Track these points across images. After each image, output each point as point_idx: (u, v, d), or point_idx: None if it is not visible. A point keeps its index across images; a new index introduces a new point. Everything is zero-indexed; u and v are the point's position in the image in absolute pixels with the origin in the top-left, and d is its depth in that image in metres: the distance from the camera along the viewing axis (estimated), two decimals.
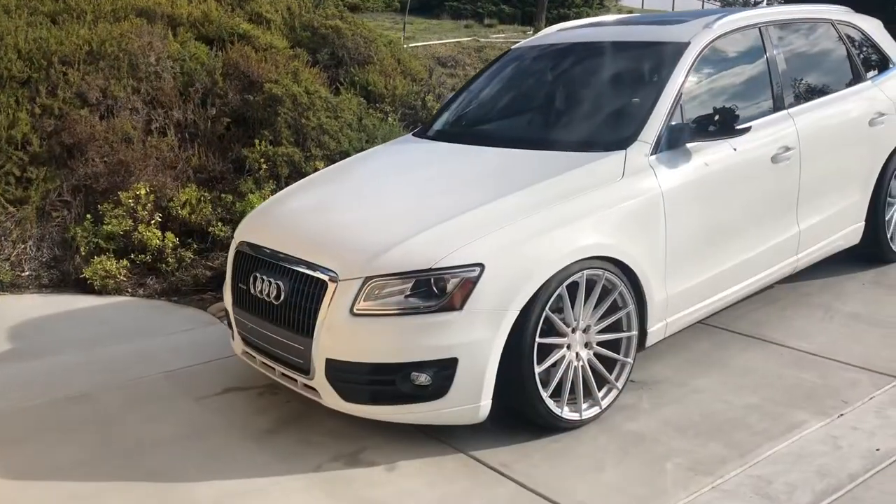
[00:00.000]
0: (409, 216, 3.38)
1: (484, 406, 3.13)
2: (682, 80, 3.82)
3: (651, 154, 3.64)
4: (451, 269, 3.06)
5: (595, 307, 3.39)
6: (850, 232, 4.72)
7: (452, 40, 13.01)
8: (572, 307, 3.30)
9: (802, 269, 4.53)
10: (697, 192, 3.75)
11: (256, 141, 7.23)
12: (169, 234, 6.07)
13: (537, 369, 3.19)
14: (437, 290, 3.06)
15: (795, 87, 4.41)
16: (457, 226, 3.21)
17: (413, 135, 4.62)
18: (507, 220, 3.23)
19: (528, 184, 3.45)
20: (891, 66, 5.09)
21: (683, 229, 3.68)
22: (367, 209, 3.60)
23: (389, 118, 8.47)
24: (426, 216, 3.31)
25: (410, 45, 11.71)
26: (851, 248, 4.83)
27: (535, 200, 3.35)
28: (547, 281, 3.17)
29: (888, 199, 4.86)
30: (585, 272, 3.29)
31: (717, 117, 3.64)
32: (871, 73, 4.93)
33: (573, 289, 3.29)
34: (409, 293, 3.07)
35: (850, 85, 4.75)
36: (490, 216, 3.25)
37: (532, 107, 4.46)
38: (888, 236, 4.92)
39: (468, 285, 3.05)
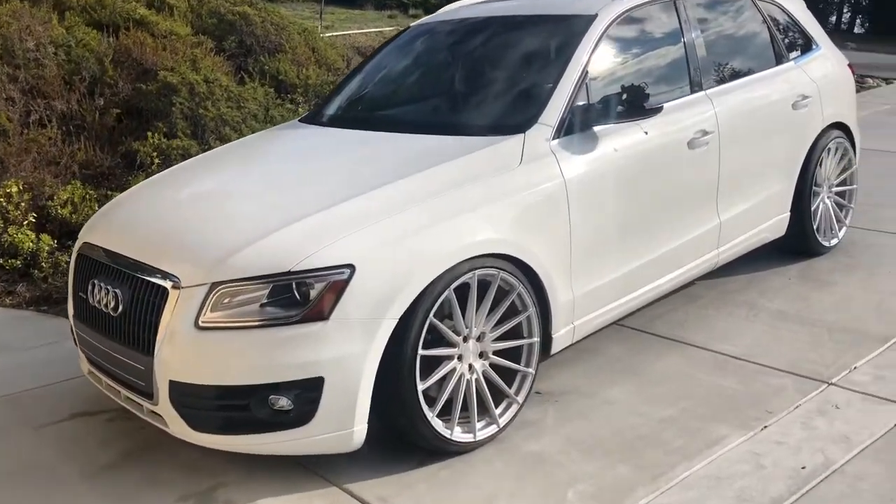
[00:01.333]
0: (273, 211, 2.90)
1: (358, 432, 2.67)
2: (587, 57, 3.43)
3: (553, 138, 3.24)
4: (316, 271, 2.60)
5: (490, 312, 2.97)
6: (775, 223, 4.40)
7: (374, 30, 12.52)
8: (463, 313, 2.87)
9: (724, 263, 4.19)
10: (605, 181, 3.36)
11: (149, 133, 6.66)
12: (45, 237, 5.47)
13: (421, 386, 2.75)
14: (299, 297, 2.59)
15: (714, 67, 4.06)
16: (325, 220, 2.75)
17: (300, 120, 4.14)
18: (385, 214, 2.78)
19: (413, 172, 3.01)
20: (814, 46, 4.80)
21: (591, 222, 3.28)
22: (227, 204, 3.12)
23: (300, 109, 7.94)
24: (292, 211, 2.84)
25: (329, 34, 11.18)
26: (777, 241, 4.51)
27: (420, 191, 2.91)
28: (431, 283, 2.73)
29: (814, 187, 4.56)
30: (477, 272, 2.87)
31: (624, 96, 3.25)
32: (793, 54, 4.62)
33: (463, 291, 2.86)
34: (265, 301, 2.60)
35: (772, 66, 4.42)
36: (365, 209, 2.80)
37: (428, 88, 4.02)
38: (814, 227, 4.62)
39: (336, 290, 2.60)
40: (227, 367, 2.60)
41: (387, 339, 2.65)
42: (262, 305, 2.60)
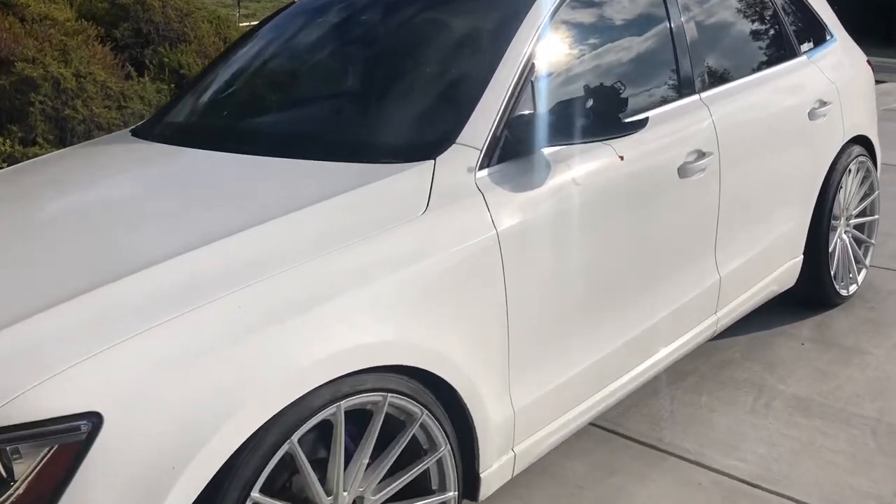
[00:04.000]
0: None
1: None
2: (531, 45, 2.27)
3: (480, 167, 2.07)
4: (25, 428, 1.39)
5: (374, 460, 1.79)
6: (785, 271, 3.29)
7: None
8: (324, 470, 1.69)
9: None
10: (561, 231, 2.20)
11: (0, 139, 5.35)
12: None
13: None
14: None
15: (709, 60, 2.92)
16: (57, 325, 1.53)
17: (133, 131, 2.88)
18: (175, 308, 1.57)
19: (249, 226, 1.80)
20: (828, 37, 3.70)
21: (539, 295, 2.13)
22: None
23: None
24: (10, 301, 1.62)
25: (248, 23, 9.89)
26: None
27: (250, 262, 1.70)
28: (254, 436, 1.54)
29: (831, 220, 3.46)
30: (345, 403, 1.69)
31: (591, 103, 2.09)
32: (805, 47, 3.52)
33: (324, 434, 1.68)
34: None
35: (781, 61, 3.30)
36: (140, 300, 1.59)
37: (304, 90, 2.81)
38: (831, 273, 3.52)
39: (66, 458, 1.39)
40: None
41: None
42: None
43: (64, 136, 5.68)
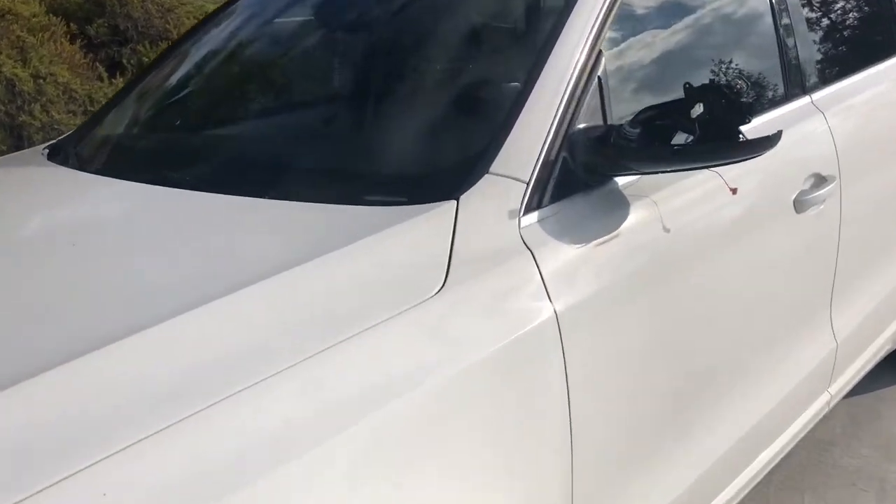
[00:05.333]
0: None
1: None
2: (594, 29, 1.51)
3: (527, 209, 1.33)
4: None
5: None
6: None
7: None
8: None
9: None
10: (645, 303, 1.46)
11: None
12: None
13: None
14: None
15: (819, 52, 2.18)
16: None
17: (49, 152, 2.11)
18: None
19: (162, 318, 1.06)
20: None
21: (617, 406, 1.39)
22: None
23: None
24: None
25: None
26: None
27: (143, 386, 0.96)
28: None
29: None
30: None
31: (701, 110, 1.34)
32: None
33: None
34: None
35: None
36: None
37: (274, 98, 2.02)
38: None
39: None
40: None
41: None
42: None
43: (20, 144, 4.96)
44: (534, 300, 1.27)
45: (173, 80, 2.18)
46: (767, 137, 1.39)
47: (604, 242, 1.40)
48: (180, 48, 2.28)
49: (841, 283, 2.06)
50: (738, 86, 1.36)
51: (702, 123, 1.37)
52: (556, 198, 1.39)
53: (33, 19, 6.38)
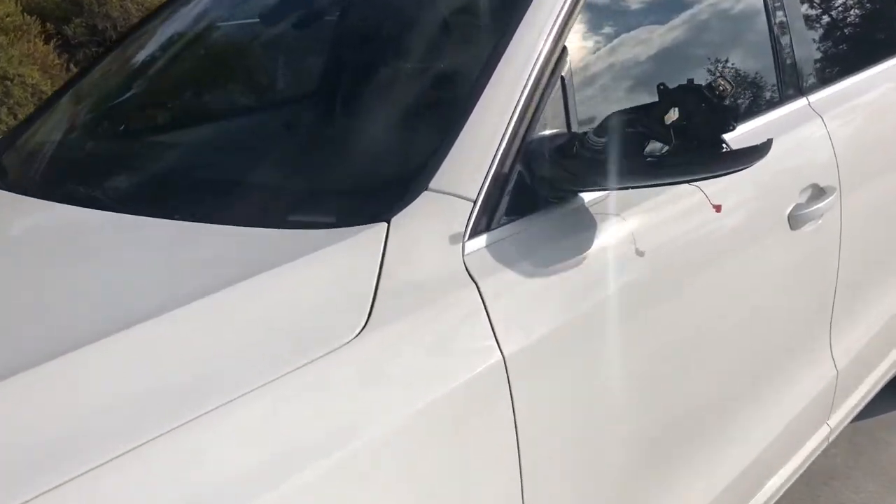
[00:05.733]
0: None
1: None
2: (556, 22, 1.30)
3: (474, 233, 1.12)
4: None
5: None
6: None
7: None
8: None
9: None
10: (615, 342, 1.25)
11: None
12: None
13: None
14: None
15: (820, 47, 1.98)
16: None
17: None
18: None
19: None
20: None
21: (572, 464, 1.18)
22: None
23: None
24: None
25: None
26: None
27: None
28: None
29: None
30: None
31: (677, 115, 1.14)
32: None
33: None
34: None
35: None
36: None
37: (204, 108, 1.78)
38: None
39: None
40: None
41: None
42: None
43: None
44: (477, 342, 1.07)
45: (91, 90, 1.95)
46: (756, 147, 1.19)
47: (565, 270, 1.20)
48: (107, 56, 2.05)
49: (841, 306, 1.86)
50: (721, 87, 1.15)
51: (678, 131, 1.17)
52: (509, 218, 1.19)
53: (7, 19, 6.19)
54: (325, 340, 0.96)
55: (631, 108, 1.21)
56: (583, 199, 1.28)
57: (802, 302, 1.75)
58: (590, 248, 1.24)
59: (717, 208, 1.32)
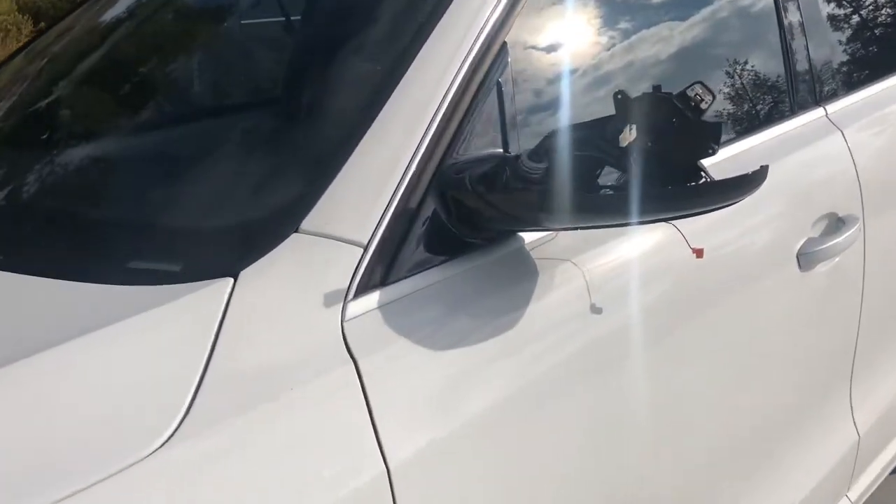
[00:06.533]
0: None
1: None
2: (497, 15, 1.01)
3: (362, 290, 0.84)
4: None
5: None
6: None
7: None
8: None
9: None
10: (575, 437, 0.96)
11: None
12: None
13: None
14: None
15: (839, 50, 1.66)
16: None
17: None
18: None
19: None
20: None
21: None
22: None
23: None
24: None
25: None
26: None
27: None
28: None
29: None
30: None
31: (634, 130, 0.84)
32: None
33: None
34: None
35: None
36: None
37: (32, 135, 1.44)
38: None
39: None
40: None
41: None
42: None
43: None
44: (350, 451, 0.78)
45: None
46: (745, 177, 0.88)
47: (493, 338, 0.91)
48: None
49: (863, 360, 1.54)
50: (697, 96, 0.86)
51: (643, 154, 0.87)
52: (416, 268, 0.90)
53: (2, 17, 6.04)
54: (114, 454, 0.67)
55: (579, 125, 0.92)
56: (522, 240, 0.99)
57: (815, 357, 1.44)
58: (525, 305, 0.94)
59: (699, 253, 1.01)
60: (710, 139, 0.87)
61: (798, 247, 1.33)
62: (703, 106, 0.87)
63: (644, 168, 0.87)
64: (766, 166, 0.89)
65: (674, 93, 0.88)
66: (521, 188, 0.89)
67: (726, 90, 1.35)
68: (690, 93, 0.88)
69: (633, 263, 1.06)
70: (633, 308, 1.05)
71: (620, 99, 0.89)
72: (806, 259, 1.33)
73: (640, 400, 1.08)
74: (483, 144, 0.97)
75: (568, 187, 0.88)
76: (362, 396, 0.79)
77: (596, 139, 0.90)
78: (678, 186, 0.88)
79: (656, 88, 0.89)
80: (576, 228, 0.93)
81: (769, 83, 1.46)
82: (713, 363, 1.19)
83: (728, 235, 1.19)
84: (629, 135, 0.85)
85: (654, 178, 0.87)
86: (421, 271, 0.90)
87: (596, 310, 1.00)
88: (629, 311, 1.04)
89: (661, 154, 0.87)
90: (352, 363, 0.80)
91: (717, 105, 1.29)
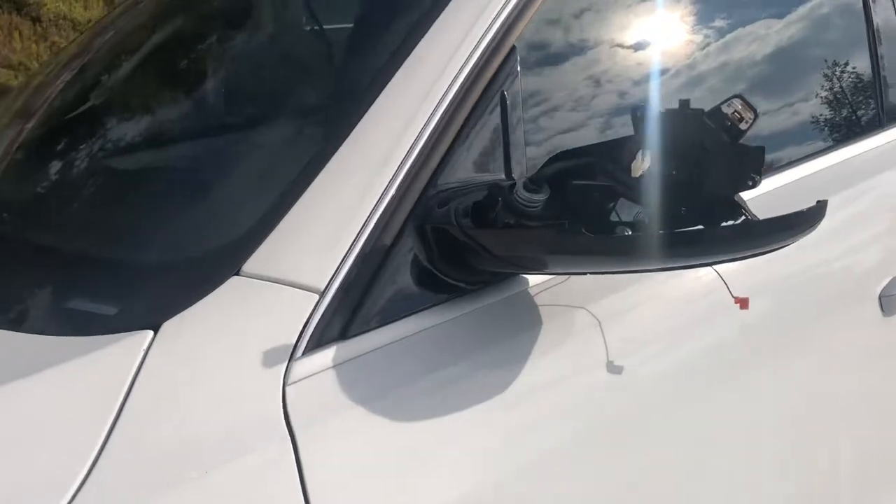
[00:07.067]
0: None
1: None
2: (505, 16, 0.85)
3: (314, 346, 0.70)
4: None
5: None
6: None
7: None
8: None
9: None
10: None
11: None
12: None
13: None
14: None
15: None
16: None
17: None
18: None
19: None
20: None
21: None
22: None
23: None
24: None
25: None
26: None
27: None
28: None
29: None
30: None
31: (648, 157, 0.67)
32: None
33: None
34: None
35: None
36: None
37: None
38: None
39: None
40: None
41: None
42: None
43: None
44: None
45: None
46: (799, 215, 0.70)
47: (475, 406, 0.75)
48: None
49: None
50: (736, 112, 0.68)
51: (663, 184, 0.70)
52: (386, 316, 0.75)
53: (87, 25, 6.21)
54: None
55: (586, 147, 0.75)
56: (525, 282, 0.82)
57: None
58: (523, 365, 0.78)
59: (743, 303, 0.83)
60: (751, 168, 0.69)
61: (880, 289, 1.12)
62: (743, 126, 0.70)
63: (666, 202, 0.70)
64: (825, 202, 0.70)
65: (705, 109, 0.70)
66: (513, 224, 0.73)
67: (789, 103, 1.15)
68: (727, 109, 0.70)
69: (665, 312, 0.88)
70: (665, 371, 0.87)
71: (638, 115, 0.72)
72: (890, 302, 1.12)
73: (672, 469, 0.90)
74: (477, 168, 0.81)
75: (569, 224, 0.72)
76: (298, 481, 0.64)
77: (607, 165, 0.73)
78: (711, 227, 0.70)
79: (684, 104, 0.71)
80: (580, 273, 0.77)
81: (850, 95, 1.25)
82: (769, 437, 1.00)
83: (786, 282, 0.99)
84: (641, 163, 0.68)
85: (678, 216, 0.69)
86: (393, 321, 0.75)
87: (615, 369, 0.83)
88: (662, 374, 0.87)
89: (689, 185, 0.70)
90: (289, 438, 0.66)
91: (781, 120, 1.10)
